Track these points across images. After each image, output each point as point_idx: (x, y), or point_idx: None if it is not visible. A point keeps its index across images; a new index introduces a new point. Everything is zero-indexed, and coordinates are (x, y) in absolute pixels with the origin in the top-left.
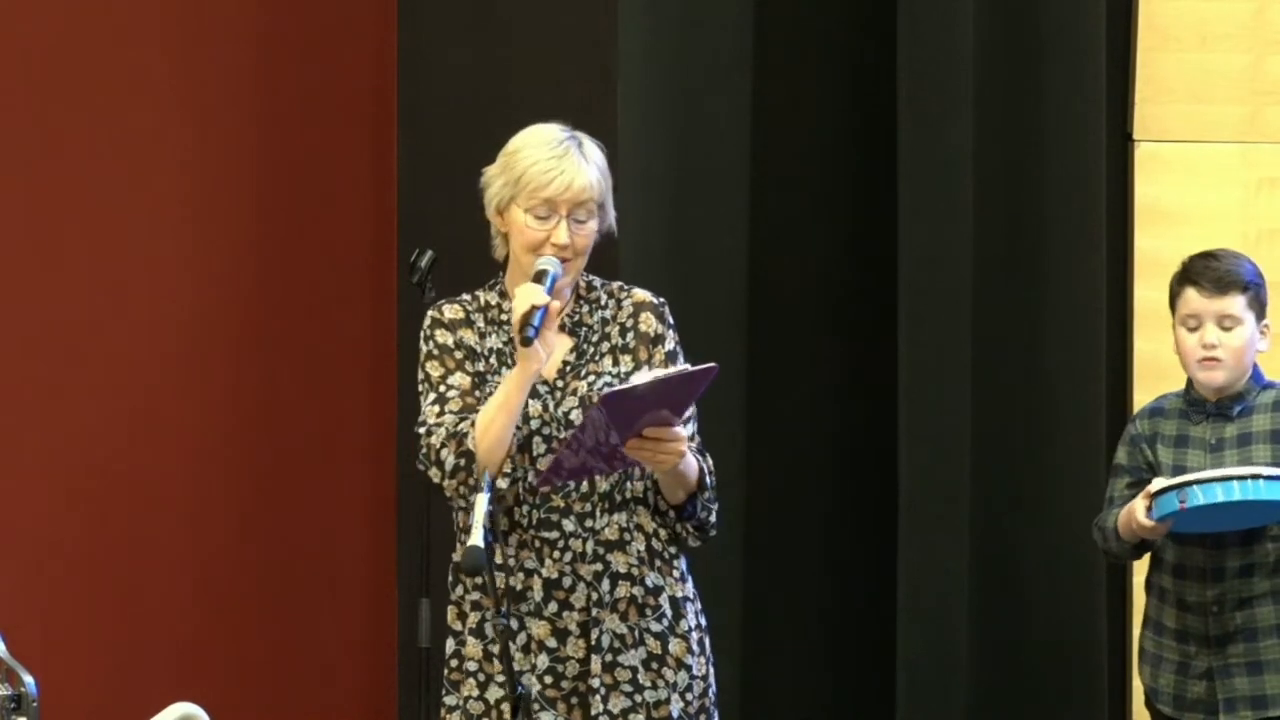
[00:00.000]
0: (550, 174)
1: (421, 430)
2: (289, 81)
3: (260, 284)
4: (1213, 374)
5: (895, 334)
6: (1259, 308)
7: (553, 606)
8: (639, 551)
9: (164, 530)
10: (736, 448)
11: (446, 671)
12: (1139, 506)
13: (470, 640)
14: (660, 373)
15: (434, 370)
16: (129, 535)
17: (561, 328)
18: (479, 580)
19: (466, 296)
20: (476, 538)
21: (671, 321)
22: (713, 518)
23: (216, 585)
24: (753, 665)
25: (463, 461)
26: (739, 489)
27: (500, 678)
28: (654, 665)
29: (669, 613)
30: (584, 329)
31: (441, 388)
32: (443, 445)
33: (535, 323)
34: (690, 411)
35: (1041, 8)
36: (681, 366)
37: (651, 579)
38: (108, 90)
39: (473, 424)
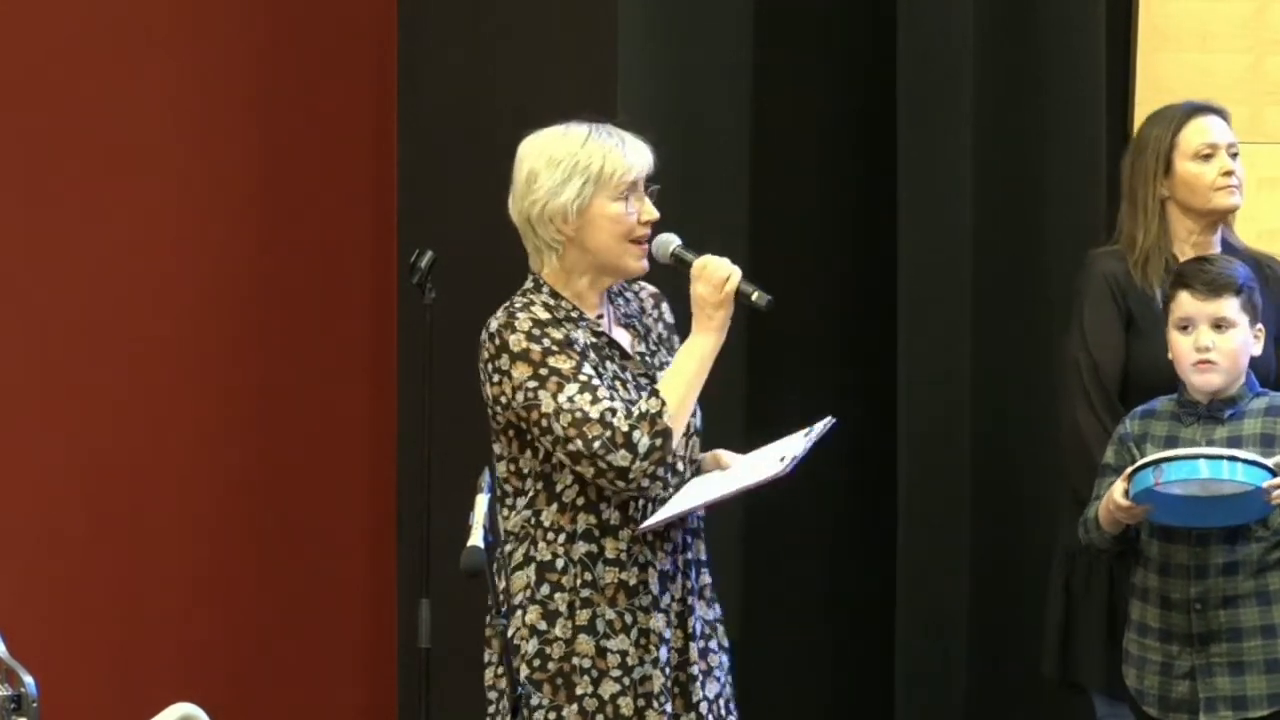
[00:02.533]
0: (626, 155)
1: (588, 419)
2: (289, 83)
3: (260, 284)
4: (1207, 377)
5: (895, 335)
6: (1253, 311)
7: (666, 598)
8: (705, 540)
9: (164, 530)
10: (736, 447)
11: (529, 671)
12: (1117, 487)
13: (582, 637)
14: (791, 452)
15: (563, 364)
16: (129, 535)
17: (619, 322)
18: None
19: (520, 301)
20: (476, 538)
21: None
22: None
23: (217, 585)
24: (752, 665)
25: (659, 441)
26: None
27: (615, 672)
28: (722, 649)
29: (716, 601)
30: (632, 319)
31: (581, 377)
32: (633, 428)
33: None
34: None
35: (1041, 8)
36: (802, 441)
37: (709, 568)
38: (107, 91)
39: (661, 402)
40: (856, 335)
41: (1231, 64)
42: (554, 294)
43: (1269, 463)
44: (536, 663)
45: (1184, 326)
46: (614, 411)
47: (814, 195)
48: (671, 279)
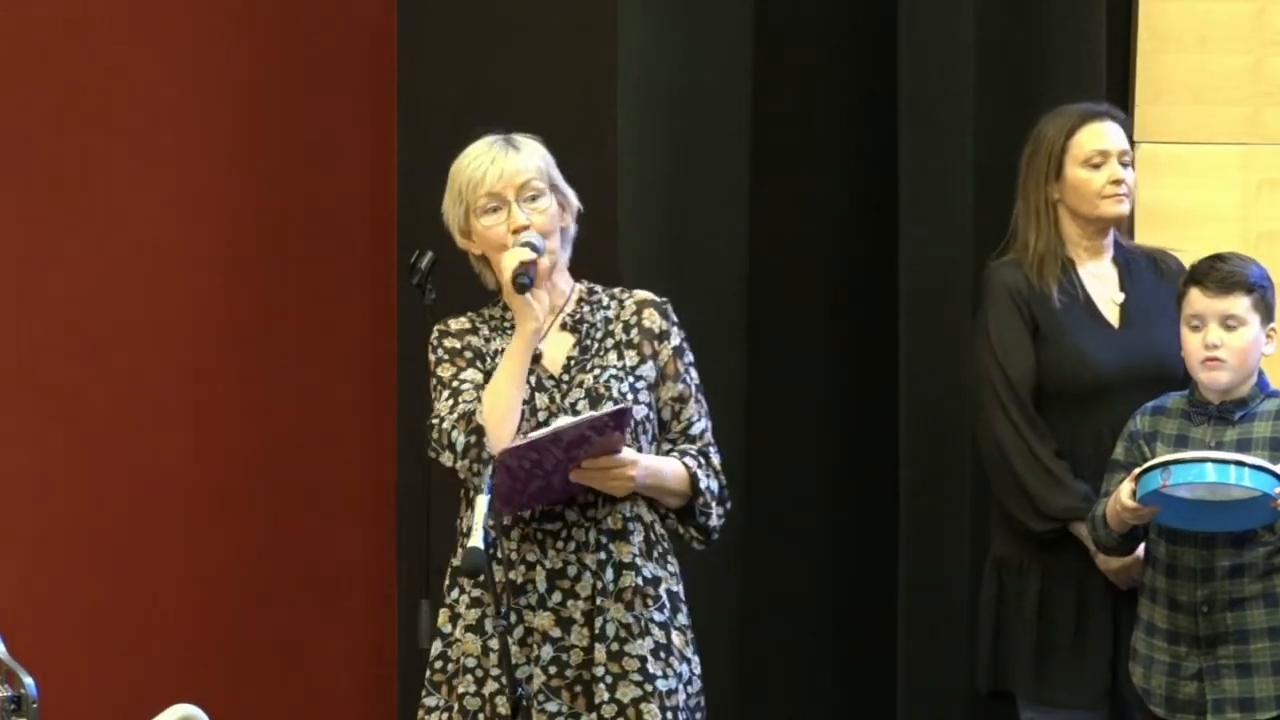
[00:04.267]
0: (482, 168)
1: (433, 422)
2: (289, 82)
3: (260, 285)
4: (1215, 374)
5: (895, 335)
6: (1265, 310)
7: (556, 596)
8: (639, 542)
9: (164, 531)
10: (736, 447)
11: (429, 673)
12: (1124, 488)
13: (469, 637)
14: (560, 423)
15: (445, 372)
16: (129, 536)
17: (564, 326)
18: (480, 579)
19: (470, 314)
20: (476, 539)
21: (675, 319)
22: (712, 522)
23: (216, 586)
24: (752, 664)
25: (473, 439)
26: (738, 488)
27: (495, 671)
28: (662, 655)
29: (668, 604)
30: (586, 325)
31: (455, 383)
32: (453, 427)
33: (530, 274)
34: (695, 409)
35: (1042, 9)
36: (587, 415)
37: (650, 570)
38: (107, 90)
39: (480, 401)
40: (856, 335)
41: (1231, 64)
42: (505, 306)
43: (1276, 469)
44: (437, 664)
45: (1194, 324)
46: (451, 414)
47: (814, 196)
48: (675, 286)
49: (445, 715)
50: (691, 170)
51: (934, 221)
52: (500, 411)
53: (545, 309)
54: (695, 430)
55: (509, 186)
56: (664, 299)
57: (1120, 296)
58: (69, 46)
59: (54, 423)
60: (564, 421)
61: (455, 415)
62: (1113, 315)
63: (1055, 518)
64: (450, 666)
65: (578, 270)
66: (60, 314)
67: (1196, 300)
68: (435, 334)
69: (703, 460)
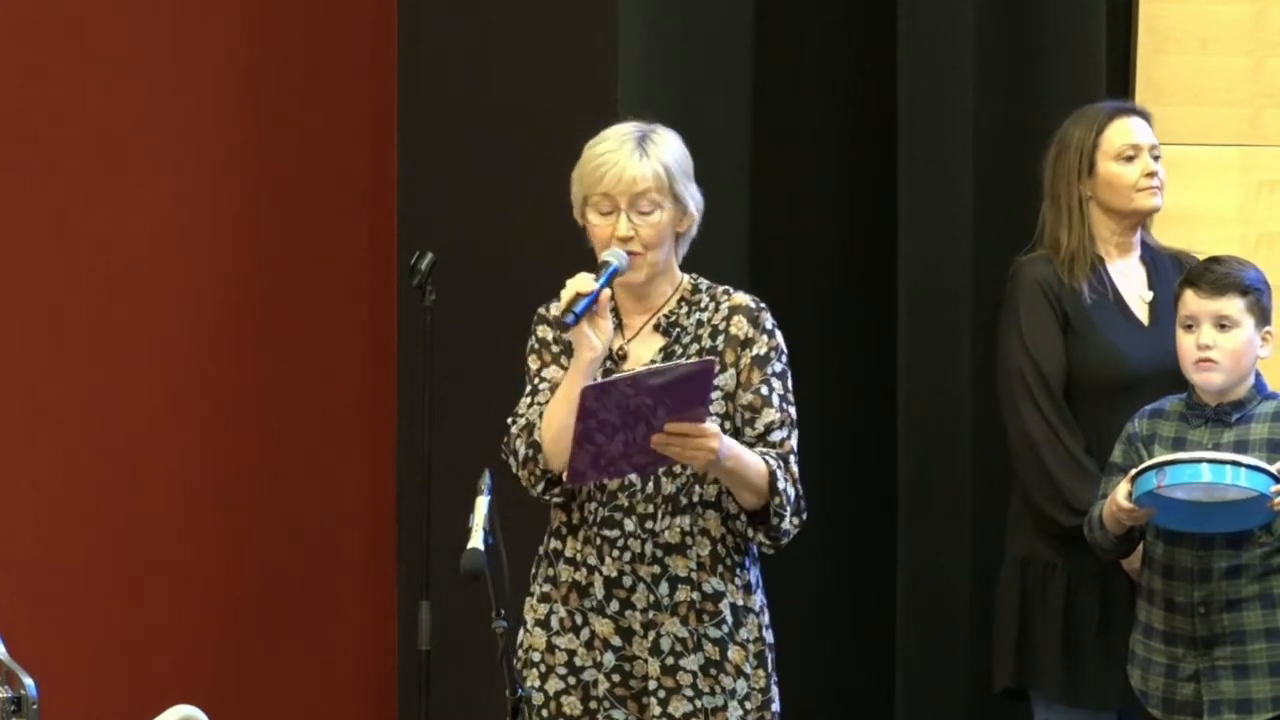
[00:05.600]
0: (603, 168)
1: (509, 421)
2: (289, 82)
3: (260, 285)
4: (1208, 376)
5: (895, 334)
6: (1260, 313)
7: (614, 605)
8: (700, 556)
9: (164, 532)
10: None
11: (515, 659)
12: (1121, 489)
13: (536, 630)
14: (645, 368)
15: (532, 364)
16: (129, 536)
17: (656, 327)
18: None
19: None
20: (476, 540)
21: (769, 326)
22: (785, 525)
23: (216, 587)
24: None
25: (531, 451)
26: None
27: (560, 670)
28: (711, 671)
29: (729, 619)
30: (678, 330)
31: (535, 380)
32: (519, 435)
33: (577, 309)
34: (777, 417)
35: (1042, 10)
36: (674, 363)
37: (712, 584)
38: (106, 90)
39: (541, 414)
40: (856, 335)
41: (1231, 66)
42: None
43: (1272, 469)
44: (519, 652)
45: (1188, 324)
46: (523, 417)
47: (814, 196)
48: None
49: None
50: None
51: (934, 221)
52: (554, 431)
53: (607, 337)
54: (775, 437)
55: (624, 194)
56: (760, 305)
57: (1149, 294)
58: (68, 48)
59: (54, 423)
60: (642, 368)
61: (524, 422)
62: (1142, 312)
63: (1085, 512)
64: (524, 656)
65: (579, 267)
66: (60, 314)
67: (1190, 301)
68: (536, 318)
69: (782, 464)
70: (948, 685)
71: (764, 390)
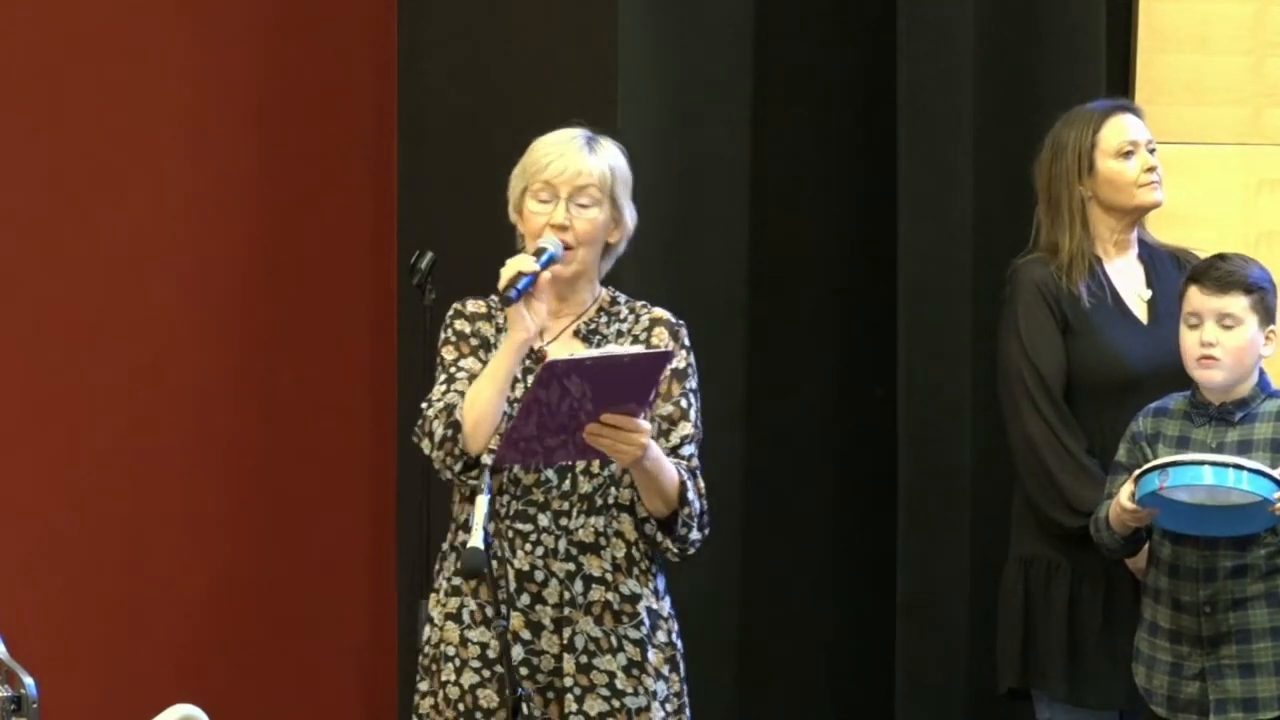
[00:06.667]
0: (549, 157)
1: (423, 406)
2: (290, 82)
3: (261, 284)
4: (1210, 373)
5: (895, 334)
6: (1264, 312)
7: (525, 599)
8: (615, 558)
9: (164, 531)
10: (736, 448)
11: (420, 658)
12: (1124, 490)
13: (449, 625)
14: (608, 350)
15: (448, 354)
16: (129, 536)
17: (577, 333)
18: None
19: (493, 297)
20: (476, 539)
21: (687, 343)
22: (693, 535)
23: (216, 586)
24: (752, 663)
25: (450, 432)
26: (739, 489)
27: (475, 663)
28: (634, 672)
29: (647, 622)
30: (598, 337)
31: (452, 369)
32: (436, 416)
33: (520, 286)
34: (691, 432)
35: (1042, 9)
36: (634, 349)
37: (629, 586)
38: (107, 91)
39: (463, 396)
40: (856, 334)
41: (1231, 65)
42: None
43: (1275, 473)
44: (426, 649)
45: (1192, 321)
46: (440, 401)
47: (814, 196)
48: (675, 286)
49: (432, 700)
50: (691, 171)
51: (934, 221)
52: (478, 412)
53: (541, 320)
54: (685, 451)
55: (566, 184)
56: (680, 321)
57: (1147, 293)
58: (71, 48)
59: (54, 423)
60: (603, 351)
61: (440, 405)
62: (1141, 311)
63: (1088, 513)
64: (433, 652)
65: None
66: (61, 314)
67: (1194, 298)
68: (451, 312)
69: (692, 477)
70: (948, 685)
71: (683, 403)
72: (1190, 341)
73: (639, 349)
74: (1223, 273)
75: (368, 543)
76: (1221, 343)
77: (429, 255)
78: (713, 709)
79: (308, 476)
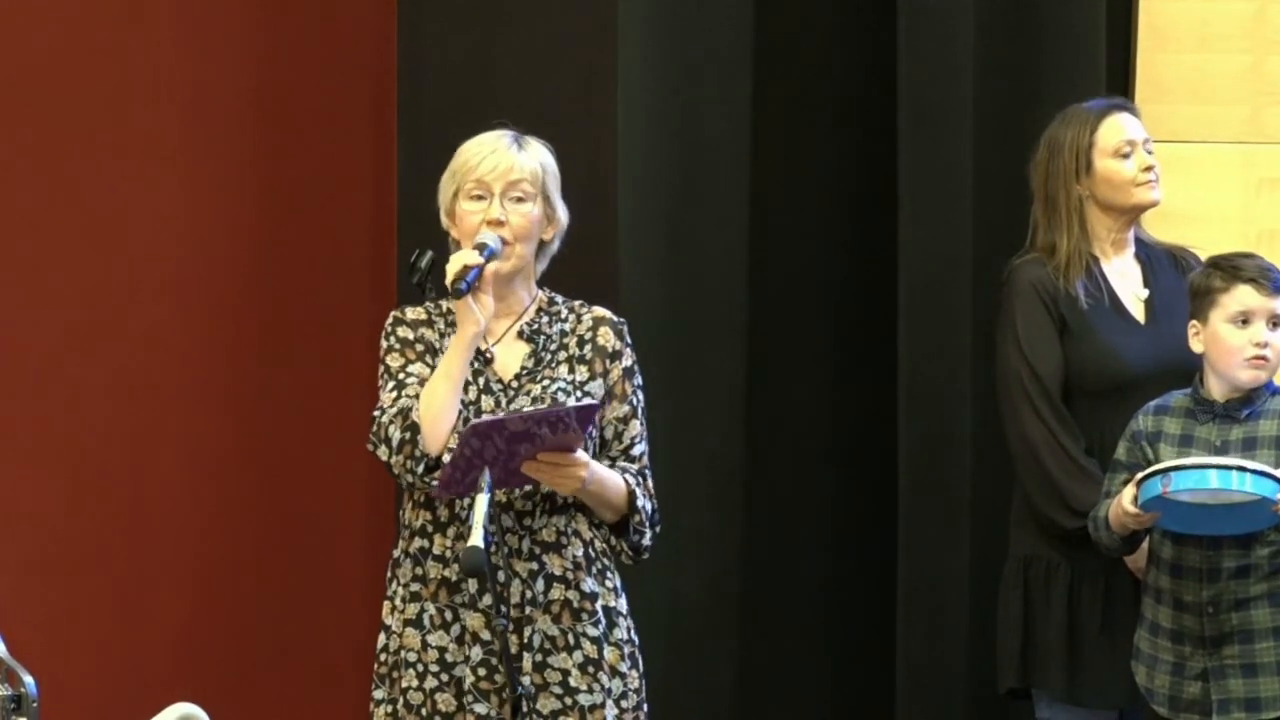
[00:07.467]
0: (481, 155)
1: (375, 414)
2: (289, 81)
3: (260, 284)
4: (1259, 373)
5: (895, 334)
6: None
7: (487, 599)
8: (575, 556)
9: (164, 530)
10: (736, 447)
11: (376, 665)
12: (1126, 493)
13: (409, 631)
14: (532, 409)
15: (394, 362)
16: (129, 535)
17: (520, 334)
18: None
19: (429, 304)
20: (476, 538)
21: (630, 341)
22: (645, 540)
23: (216, 585)
24: (751, 663)
25: (409, 435)
26: (739, 488)
27: (435, 667)
28: (590, 669)
29: (604, 620)
30: (542, 337)
31: (401, 375)
32: (390, 421)
33: (469, 278)
34: (640, 429)
35: (1041, 9)
36: (559, 404)
37: (588, 584)
38: (107, 90)
39: (418, 397)
40: (856, 334)
41: (1231, 64)
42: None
43: (1278, 473)
44: (382, 657)
45: (1241, 320)
46: (392, 407)
47: (814, 196)
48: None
49: (390, 708)
50: (691, 169)
51: (934, 221)
52: (435, 410)
53: (489, 314)
54: (636, 451)
55: (499, 180)
56: (621, 320)
57: (1144, 292)
58: (69, 45)
59: (53, 422)
60: (534, 408)
61: (394, 410)
62: (1138, 311)
63: (1086, 513)
64: (392, 659)
65: (579, 267)
66: (60, 313)
67: (1248, 297)
68: (390, 320)
69: (640, 480)
70: (948, 685)
71: (634, 401)
72: (1239, 340)
73: (570, 403)
74: (1275, 274)
75: (368, 546)
76: (1272, 343)
77: (429, 255)
78: (713, 709)
79: (306, 476)
